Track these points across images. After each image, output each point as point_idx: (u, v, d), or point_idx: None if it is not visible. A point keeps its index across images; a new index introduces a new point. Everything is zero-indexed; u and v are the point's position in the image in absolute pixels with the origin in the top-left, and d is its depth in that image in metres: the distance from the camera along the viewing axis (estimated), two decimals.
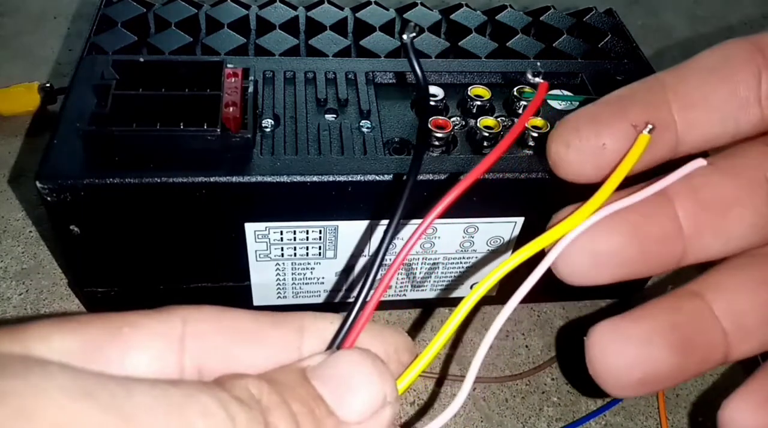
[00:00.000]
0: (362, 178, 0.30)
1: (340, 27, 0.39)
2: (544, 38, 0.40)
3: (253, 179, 0.29)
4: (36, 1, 0.60)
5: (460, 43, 0.38)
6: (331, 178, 0.29)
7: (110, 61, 0.30)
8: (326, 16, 0.39)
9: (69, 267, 0.32)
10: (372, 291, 0.16)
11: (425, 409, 0.36)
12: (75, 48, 0.55)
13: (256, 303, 0.36)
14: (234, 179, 0.29)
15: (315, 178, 0.29)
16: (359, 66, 0.35)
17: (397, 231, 0.17)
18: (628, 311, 0.18)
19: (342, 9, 0.40)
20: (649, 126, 0.17)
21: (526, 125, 0.32)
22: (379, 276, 0.16)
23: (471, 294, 0.16)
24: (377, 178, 0.30)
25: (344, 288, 0.35)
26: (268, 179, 0.29)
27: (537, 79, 0.26)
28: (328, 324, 0.15)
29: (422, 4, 0.41)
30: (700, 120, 0.17)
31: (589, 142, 0.17)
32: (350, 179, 0.29)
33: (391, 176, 0.30)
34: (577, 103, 0.35)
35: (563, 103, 0.35)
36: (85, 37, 0.35)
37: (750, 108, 0.17)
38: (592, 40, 0.40)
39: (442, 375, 0.36)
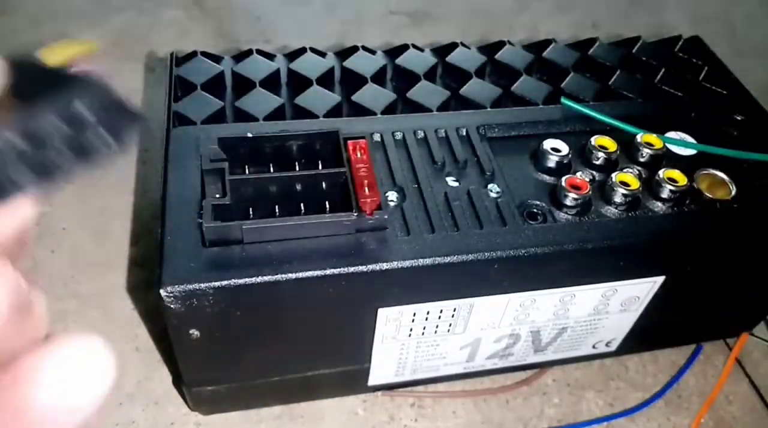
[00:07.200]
0: (505, 253, 0.27)
1: (431, 75, 0.36)
2: (644, 73, 0.37)
3: (394, 265, 0.26)
4: (36, 1, 0.58)
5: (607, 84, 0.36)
6: (475, 257, 0.27)
7: (215, 139, 0.27)
8: (416, 64, 0.36)
9: (181, 368, 0.29)
10: None
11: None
12: None
13: (371, 383, 0.33)
14: (373, 267, 0.26)
15: (457, 258, 0.27)
16: (469, 121, 0.32)
17: None
18: None
19: (423, 50, 0.37)
20: None
21: (661, 176, 0.30)
22: None
23: None
24: (522, 252, 0.27)
25: (465, 360, 0.33)
26: (408, 264, 0.26)
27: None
28: None
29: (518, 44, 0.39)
30: None
31: None
32: (495, 256, 0.27)
33: (533, 249, 0.27)
34: (697, 151, 0.33)
35: (685, 149, 0.33)
36: (164, 104, 0.32)
37: None
38: (688, 72, 0.38)
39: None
